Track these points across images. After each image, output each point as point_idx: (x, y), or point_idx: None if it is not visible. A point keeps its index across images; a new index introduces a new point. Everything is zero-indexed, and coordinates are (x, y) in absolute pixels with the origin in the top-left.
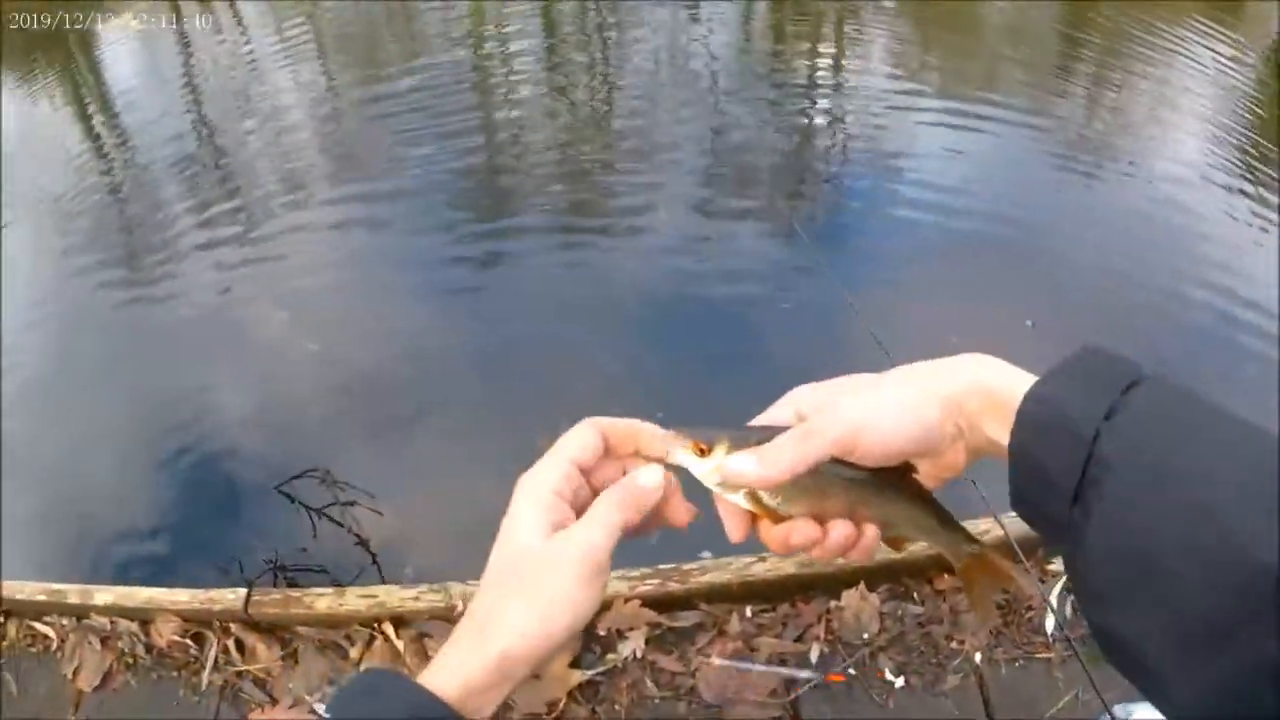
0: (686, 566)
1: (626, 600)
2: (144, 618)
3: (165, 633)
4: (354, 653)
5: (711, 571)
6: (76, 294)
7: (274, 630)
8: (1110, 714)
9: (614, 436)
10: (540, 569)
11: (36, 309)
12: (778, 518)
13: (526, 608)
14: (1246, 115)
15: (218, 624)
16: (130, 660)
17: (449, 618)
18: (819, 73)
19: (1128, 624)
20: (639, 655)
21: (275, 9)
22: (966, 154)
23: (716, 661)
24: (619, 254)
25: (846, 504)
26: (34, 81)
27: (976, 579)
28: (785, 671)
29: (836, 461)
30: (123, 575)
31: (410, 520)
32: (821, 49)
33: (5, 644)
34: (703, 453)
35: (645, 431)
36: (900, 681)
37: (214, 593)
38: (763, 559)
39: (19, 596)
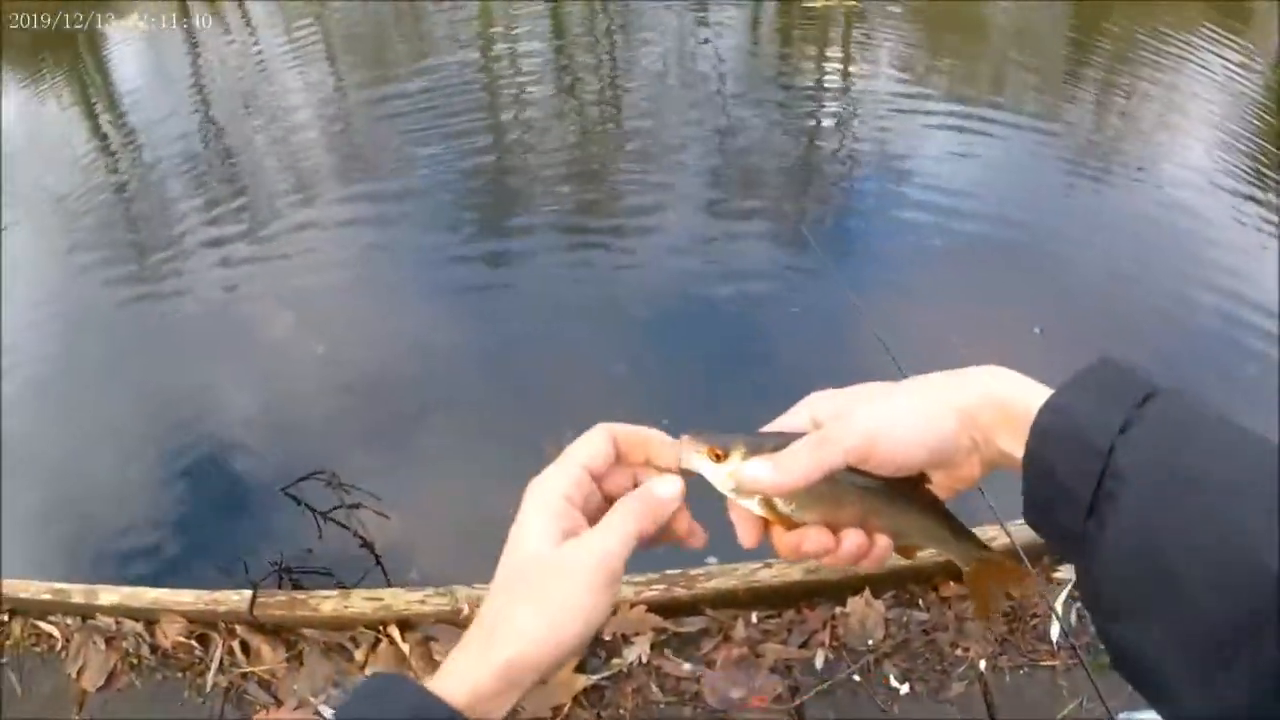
0: (693, 572)
1: (632, 605)
2: (149, 618)
3: (170, 633)
4: (359, 655)
5: (717, 577)
6: (82, 291)
7: (279, 632)
8: None
9: (625, 444)
10: (552, 575)
11: (41, 306)
12: (791, 524)
13: (536, 614)
14: (1255, 121)
15: (223, 625)
16: (135, 661)
17: (455, 621)
18: (826, 76)
19: (1142, 636)
20: (644, 660)
21: (283, 9)
22: (974, 158)
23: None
24: (626, 255)
25: (860, 512)
26: (42, 81)
27: (983, 582)
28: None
29: (851, 470)
30: (127, 576)
31: (415, 523)
32: (829, 52)
33: (10, 643)
34: (718, 458)
35: (656, 440)
36: (905, 688)
37: (219, 594)
38: (769, 565)
39: (24, 595)
